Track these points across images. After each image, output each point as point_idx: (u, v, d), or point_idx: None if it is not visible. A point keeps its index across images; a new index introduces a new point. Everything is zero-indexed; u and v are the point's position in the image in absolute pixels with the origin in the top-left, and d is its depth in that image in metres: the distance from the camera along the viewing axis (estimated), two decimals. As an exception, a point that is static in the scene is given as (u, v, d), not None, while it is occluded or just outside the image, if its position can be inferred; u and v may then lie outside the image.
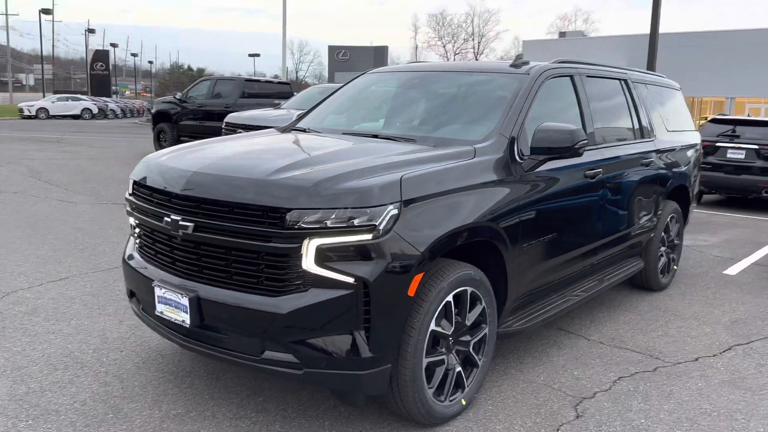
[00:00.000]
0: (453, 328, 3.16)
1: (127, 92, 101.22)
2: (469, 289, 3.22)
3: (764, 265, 6.88)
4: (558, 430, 3.21)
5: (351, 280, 2.71)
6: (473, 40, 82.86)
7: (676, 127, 5.88)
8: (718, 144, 10.76)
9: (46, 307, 4.70)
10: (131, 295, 3.56)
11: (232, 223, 2.83)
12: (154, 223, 3.17)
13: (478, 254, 3.42)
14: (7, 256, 6.06)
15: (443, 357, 3.14)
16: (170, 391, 3.47)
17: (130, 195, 3.44)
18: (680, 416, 3.40)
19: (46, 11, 57.96)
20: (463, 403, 3.29)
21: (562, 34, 52.27)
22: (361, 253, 2.73)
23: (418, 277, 2.87)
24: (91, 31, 74.94)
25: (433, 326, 3.01)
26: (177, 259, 3.10)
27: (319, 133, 4.13)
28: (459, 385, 3.27)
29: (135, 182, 3.40)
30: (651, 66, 11.61)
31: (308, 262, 2.71)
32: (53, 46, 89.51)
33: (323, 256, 2.71)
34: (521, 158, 3.59)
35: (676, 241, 5.84)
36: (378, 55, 58.37)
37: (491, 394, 3.57)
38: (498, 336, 3.60)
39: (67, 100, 42.70)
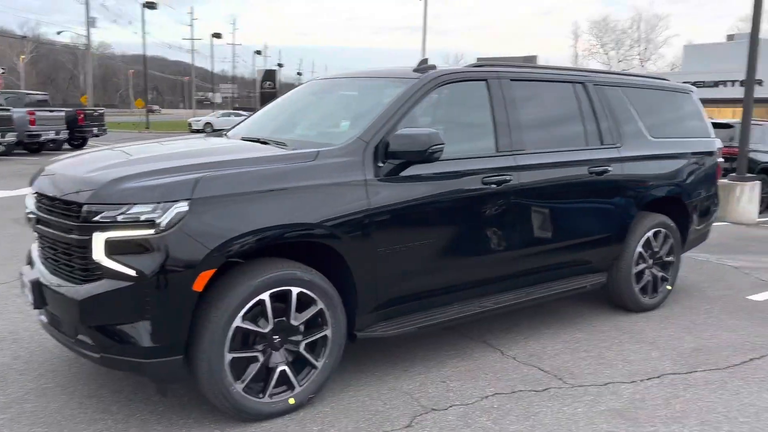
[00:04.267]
0: (271, 327, 3.23)
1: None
2: (295, 290, 3.27)
3: (813, 291, 5.96)
4: (370, 437, 3.16)
5: (133, 272, 2.93)
6: (639, 46, 78.16)
7: (673, 134, 5.34)
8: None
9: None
10: None
11: (53, 216, 3.18)
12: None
13: (324, 256, 3.45)
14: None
15: (256, 354, 3.22)
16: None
17: None
18: (517, 438, 3.18)
19: (217, 35, 64.20)
20: (291, 402, 3.34)
21: (729, 37, 47.50)
22: (144, 247, 2.94)
23: (206, 274, 3.00)
24: (258, 52, 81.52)
25: (238, 323, 3.12)
26: (41, 247, 3.52)
27: (226, 137, 4.41)
28: (288, 384, 3.33)
29: None
30: (751, 71, 10.09)
31: (98, 254, 2.96)
32: (233, 67, 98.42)
33: (112, 249, 2.95)
34: (383, 163, 3.57)
35: (666, 259, 5.28)
36: (525, 66, 57.20)
37: (342, 397, 3.57)
38: (359, 340, 3.60)
39: (229, 116, 46.82)
